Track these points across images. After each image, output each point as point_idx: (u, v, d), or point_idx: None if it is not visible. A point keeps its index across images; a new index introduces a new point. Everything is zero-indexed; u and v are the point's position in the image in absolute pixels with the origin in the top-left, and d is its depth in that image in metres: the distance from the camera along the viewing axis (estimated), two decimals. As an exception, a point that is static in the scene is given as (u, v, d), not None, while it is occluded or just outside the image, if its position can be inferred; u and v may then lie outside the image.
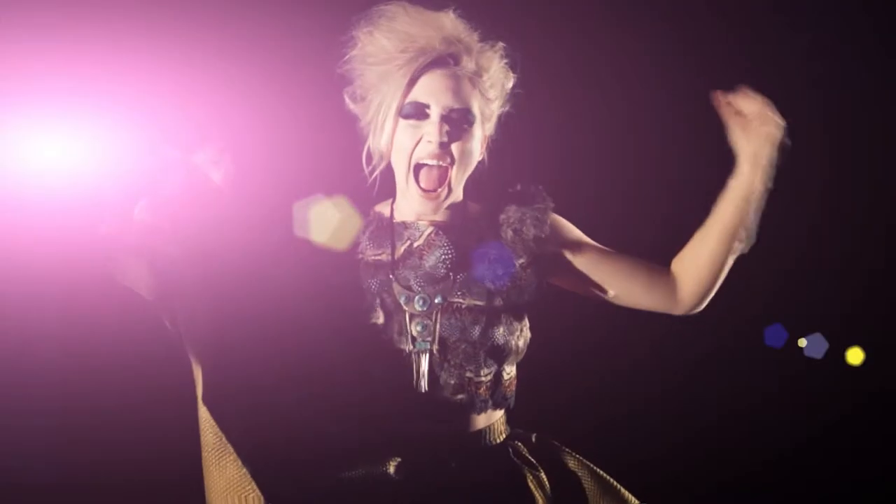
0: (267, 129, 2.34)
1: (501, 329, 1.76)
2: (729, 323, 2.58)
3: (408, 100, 1.69)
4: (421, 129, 1.69)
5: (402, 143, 1.71)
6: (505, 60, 1.77)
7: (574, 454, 1.89)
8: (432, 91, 1.69)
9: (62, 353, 2.34)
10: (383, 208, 1.82)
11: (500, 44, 1.76)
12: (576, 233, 1.85)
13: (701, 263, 1.83)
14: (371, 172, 1.76)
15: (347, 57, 1.74)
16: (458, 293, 1.75)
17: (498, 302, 1.76)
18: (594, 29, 2.48)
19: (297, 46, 2.29)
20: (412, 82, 1.68)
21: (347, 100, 1.76)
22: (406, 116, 1.70)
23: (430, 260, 1.74)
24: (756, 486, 2.58)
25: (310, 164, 2.22)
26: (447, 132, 1.68)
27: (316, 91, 2.13)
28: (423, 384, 1.73)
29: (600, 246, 1.84)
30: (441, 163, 1.70)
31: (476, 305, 1.75)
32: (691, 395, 2.60)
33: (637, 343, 2.54)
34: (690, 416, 2.59)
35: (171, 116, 2.30)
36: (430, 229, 1.75)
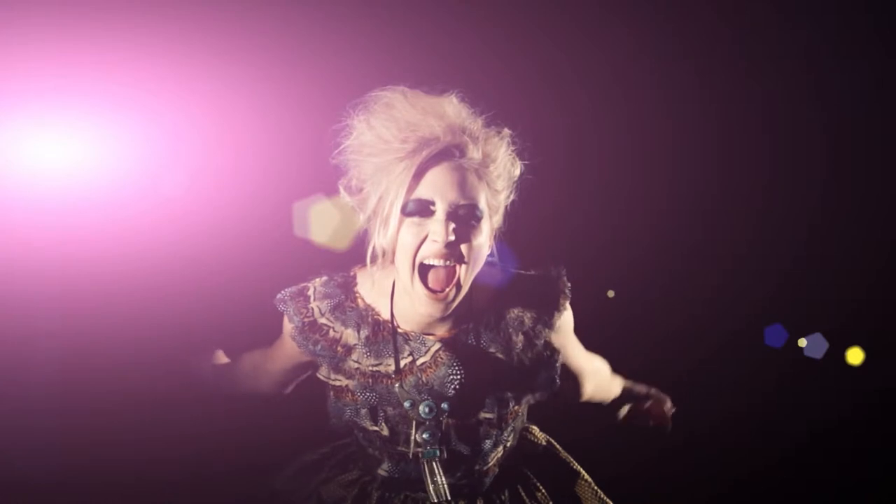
0: (267, 130, 2.34)
1: (510, 428, 1.73)
2: (729, 323, 2.58)
3: (409, 197, 1.54)
4: (425, 228, 1.55)
5: (406, 242, 1.56)
6: (512, 148, 1.65)
7: (579, 472, 1.88)
8: (437, 186, 1.54)
9: (62, 352, 2.34)
10: (375, 301, 1.70)
11: (507, 131, 1.64)
12: (570, 333, 1.81)
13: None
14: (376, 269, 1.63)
15: (342, 147, 1.61)
16: (470, 408, 1.68)
17: (505, 410, 1.70)
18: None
19: (296, 46, 2.29)
20: (416, 177, 1.54)
21: (342, 191, 1.63)
22: (409, 214, 1.55)
23: (437, 378, 1.64)
24: (756, 486, 2.58)
25: (310, 164, 2.22)
26: (454, 230, 1.54)
27: (317, 91, 2.13)
28: (436, 491, 1.69)
29: (575, 343, 1.86)
30: (448, 262, 1.56)
31: (486, 419, 1.69)
32: (691, 395, 2.59)
33: (637, 343, 2.54)
34: (691, 416, 2.58)
35: (172, 116, 2.30)
36: (436, 345, 1.65)
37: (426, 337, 1.66)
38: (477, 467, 1.72)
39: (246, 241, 2.28)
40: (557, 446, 1.93)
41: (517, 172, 1.66)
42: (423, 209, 1.55)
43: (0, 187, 2.21)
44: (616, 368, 2.45)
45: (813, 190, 2.56)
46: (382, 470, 1.73)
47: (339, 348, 1.70)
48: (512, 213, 1.76)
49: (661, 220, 2.55)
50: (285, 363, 1.79)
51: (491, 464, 1.74)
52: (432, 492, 1.68)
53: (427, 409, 1.65)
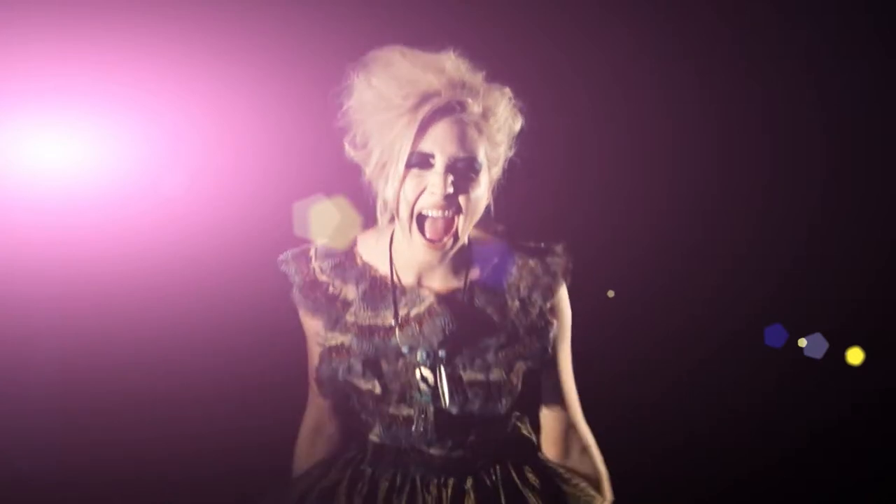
0: (267, 129, 2.34)
1: (502, 399, 1.72)
2: (729, 323, 2.58)
3: (413, 150, 1.57)
4: (425, 180, 1.59)
5: (405, 193, 1.60)
6: (512, 103, 1.67)
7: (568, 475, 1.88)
8: (437, 140, 1.57)
9: (62, 352, 2.34)
10: (374, 259, 1.74)
11: (507, 89, 1.66)
12: (564, 338, 1.79)
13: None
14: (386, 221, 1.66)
15: (345, 108, 1.63)
16: (460, 366, 1.70)
17: (498, 374, 1.70)
18: (596, 54, 2.47)
19: (296, 46, 2.29)
20: (418, 132, 1.57)
21: (347, 147, 1.66)
22: (410, 166, 1.59)
23: (430, 328, 1.67)
24: (756, 486, 2.58)
25: (310, 164, 2.22)
26: (452, 182, 1.58)
27: (317, 91, 2.13)
28: (433, 433, 1.70)
29: (566, 366, 1.81)
30: (446, 213, 1.60)
31: (477, 380, 1.70)
32: (691, 394, 2.59)
33: (637, 343, 2.54)
34: (690, 416, 2.59)
35: (172, 116, 2.30)
36: (431, 298, 1.68)
37: (422, 290, 1.69)
38: (470, 438, 1.73)
39: (246, 241, 2.28)
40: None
41: (517, 127, 1.69)
42: (423, 162, 1.59)
43: (0, 187, 2.21)
44: (616, 368, 2.45)
45: (813, 190, 2.56)
46: (374, 435, 1.75)
47: (337, 304, 1.73)
48: (511, 214, 1.76)
49: (661, 220, 2.55)
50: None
51: (483, 437, 1.75)
52: (417, 430, 1.71)
53: (424, 354, 1.68)
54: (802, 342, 2.57)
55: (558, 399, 1.82)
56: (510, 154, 1.70)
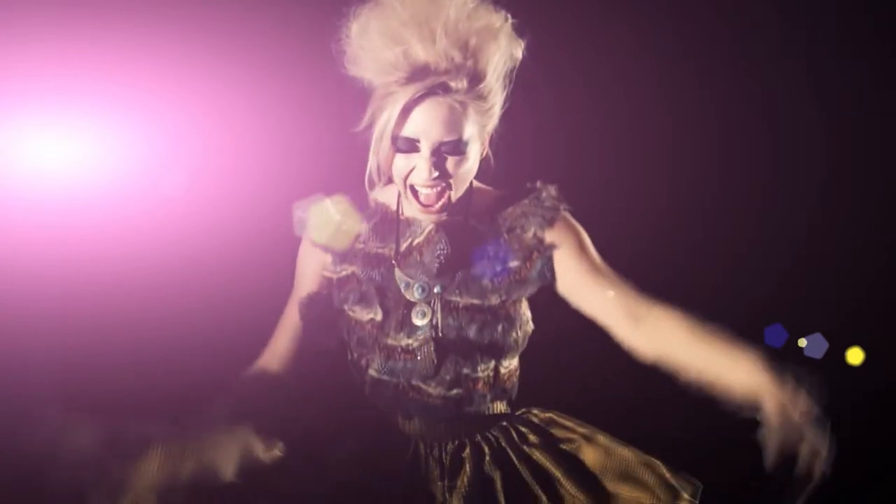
0: (267, 129, 2.34)
1: (499, 327, 1.76)
2: (729, 323, 2.57)
3: (399, 133, 1.64)
4: (413, 160, 1.66)
5: (397, 166, 1.68)
6: (511, 35, 1.68)
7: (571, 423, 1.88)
8: (421, 126, 1.63)
9: (62, 352, 2.34)
10: (387, 198, 1.81)
11: (508, 20, 1.68)
12: (579, 246, 1.80)
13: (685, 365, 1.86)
14: (371, 186, 1.73)
15: (342, 39, 1.68)
16: (456, 291, 1.75)
17: (495, 300, 1.75)
18: (598, 28, 2.47)
19: (296, 46, 2.29)
20: (404, 113, 1.62)
21: (347, 65, 1.70)
22: (398, 150, 1.66)
23: (427, 256, 1.73)
24: (756, 487, 2.58)
25: (310, 164, 2.22)
26: (437, 164, 1.65)
27: (317, 91, 2.13)
28: (431, 364, 1.74)
29: (597, 265, 1.81)
30: (436, 189, 1.67)
31: (473, 304, 1.75)
32: (691, 394, 2.59)
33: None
34: (690, 415, 2.58)
35: (172, 116, 2.30)
36: (430, 227, 1.74)
37: (422, 220, 1.75)
38: (466, 371, 1.74)
39: (246, 241, 2.28)
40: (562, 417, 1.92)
41: (518, 54, 1.71)
42: (409, 147, 1.65)
43: (0, 187, 2.21)
44: (616, 368, 2.45)
45: (813, 190, 2.56)
46: (373, 370, 1.77)
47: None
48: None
49: (661, 220, 2.55)
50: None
51: (480, 374, 1.76)
52: (422, 365, 1.73)
53: (420, 290, 1.74)
54: (802, 342, 2.57)
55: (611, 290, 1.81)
56: (507, 106, 1.73)
